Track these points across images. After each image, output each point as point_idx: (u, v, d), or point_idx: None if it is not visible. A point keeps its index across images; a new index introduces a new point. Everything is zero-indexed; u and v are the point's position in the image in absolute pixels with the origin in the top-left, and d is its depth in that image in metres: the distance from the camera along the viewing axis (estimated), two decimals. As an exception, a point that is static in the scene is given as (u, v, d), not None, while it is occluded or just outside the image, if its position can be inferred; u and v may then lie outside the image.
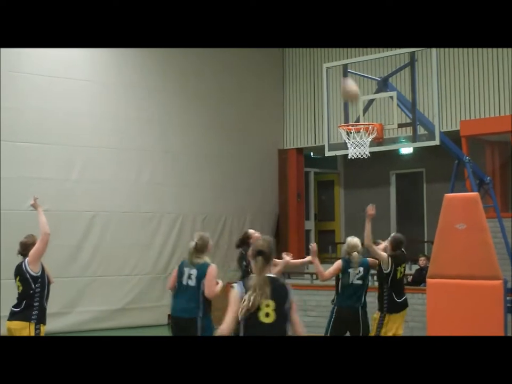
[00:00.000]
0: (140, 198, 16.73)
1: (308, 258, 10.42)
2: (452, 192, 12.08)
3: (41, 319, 8.61)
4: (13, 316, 8.64)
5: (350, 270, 9.93)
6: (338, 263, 10.12)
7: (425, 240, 18.03)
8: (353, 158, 11.26)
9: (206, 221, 17.83)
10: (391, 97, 11.38)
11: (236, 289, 5.82)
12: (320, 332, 10.13)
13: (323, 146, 12.31)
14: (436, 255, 11.59)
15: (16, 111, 14.93)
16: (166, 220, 17.18)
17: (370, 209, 10.04)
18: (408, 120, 11.37)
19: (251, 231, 10.59)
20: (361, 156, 11.18)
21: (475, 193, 11.68)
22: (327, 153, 12.16)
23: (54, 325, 13.36)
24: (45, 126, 15.35)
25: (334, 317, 9.92)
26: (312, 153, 20.06)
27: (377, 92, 11.71)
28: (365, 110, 11.57)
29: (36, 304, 8.59)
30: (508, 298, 11.50)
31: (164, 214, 17.14)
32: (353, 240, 10.07)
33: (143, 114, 16.86)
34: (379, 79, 11.63)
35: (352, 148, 11.10)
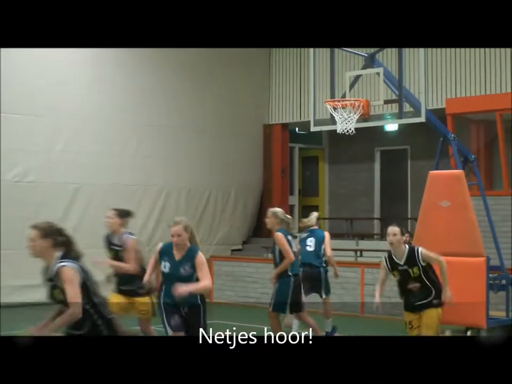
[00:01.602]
0: (125, 171, 16.67)
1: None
2: (436, 169, 12.12)
3: None
4: None
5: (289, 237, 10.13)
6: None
7: (409, 217, 18.09)
8: (340, 133, 11.26)
9: (190, 194, 17.82)
10: (378, 73, 11.37)
11: None
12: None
13: (308, 122, 12.29)
14: (419, 232, 11.65)
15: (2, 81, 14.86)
16: (150, 192, 17.14)
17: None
18: (394, 97, 11.37)
19: None
20: (347, 131, 11.18)
21: (459, 171, 11.73)
22: (313, 129, 12.15)
23: (37, 296, 13.35)
24: (30, 96, 15.26)
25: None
26: (297, 129, 20.04)
27: (364, 67, 11.69)
28: (351, 86, 11.56)
29: None
30: (491, 275, 11.58)
31: (149, 186, 17.10)
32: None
33: (129, 86, 16.78)
34: (366, 55, 11.61)
35: (340, 122, 11.09)
